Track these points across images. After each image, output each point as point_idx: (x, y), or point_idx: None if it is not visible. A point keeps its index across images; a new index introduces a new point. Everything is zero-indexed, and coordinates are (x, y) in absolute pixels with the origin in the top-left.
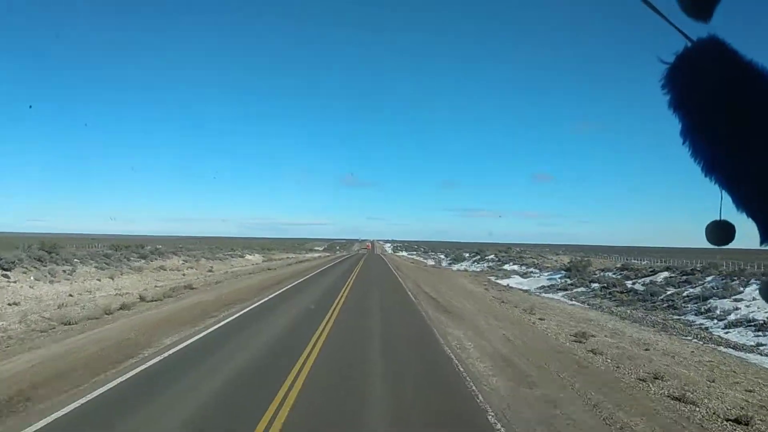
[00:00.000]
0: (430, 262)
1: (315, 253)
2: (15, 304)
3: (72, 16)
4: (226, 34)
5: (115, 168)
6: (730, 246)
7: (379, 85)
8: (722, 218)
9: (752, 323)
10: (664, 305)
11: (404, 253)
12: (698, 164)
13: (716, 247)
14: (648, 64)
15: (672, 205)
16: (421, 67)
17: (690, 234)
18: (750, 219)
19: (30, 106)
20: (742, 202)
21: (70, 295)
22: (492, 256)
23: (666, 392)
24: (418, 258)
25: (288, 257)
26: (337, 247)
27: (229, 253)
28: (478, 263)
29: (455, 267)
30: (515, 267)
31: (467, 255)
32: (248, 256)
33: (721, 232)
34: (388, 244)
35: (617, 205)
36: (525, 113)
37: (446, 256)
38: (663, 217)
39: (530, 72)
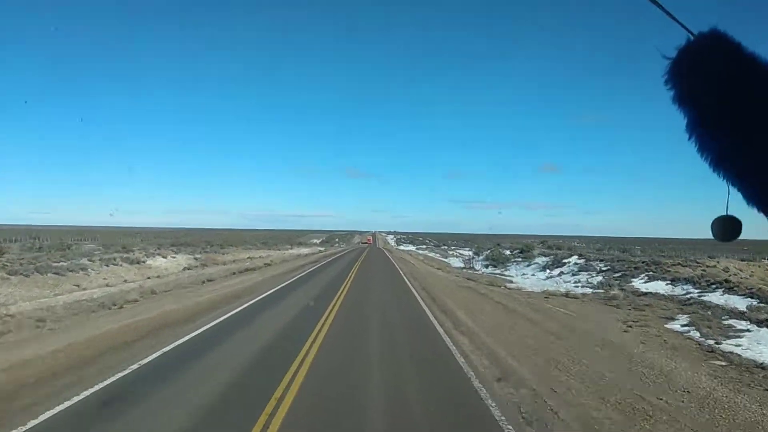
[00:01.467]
0: (456, 264)
1: (305, 248)
2: None
3: (72, 10)
4: (226, 28)
5: (117, 161)
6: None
7: (384, 76)
8: (729, 213)
9: None
10: None
11: (411, 247)
12: (705, 159)
13: (722, 242)
14: (651, 57)
15: (680, 195)
16: (425, 59)
17: (699, 225)
18: (761, 213)
19: (25, 102)
20: (751, 197)
21: None
22: (575, 258)
23: None
24: (431, 255)
25: (248, 258)
26: (336, 239)
27: (116, 255)
28: (547, 270)
29: (513, 277)
30: (665, 285)
31: (509, 252)
32: (158, 260)
33: (729, 227)
34: (391, 236)
35: (623, 196)
36: (530, 104)
37: (476, 254)
38: (671, 207)
39: (535, 63)
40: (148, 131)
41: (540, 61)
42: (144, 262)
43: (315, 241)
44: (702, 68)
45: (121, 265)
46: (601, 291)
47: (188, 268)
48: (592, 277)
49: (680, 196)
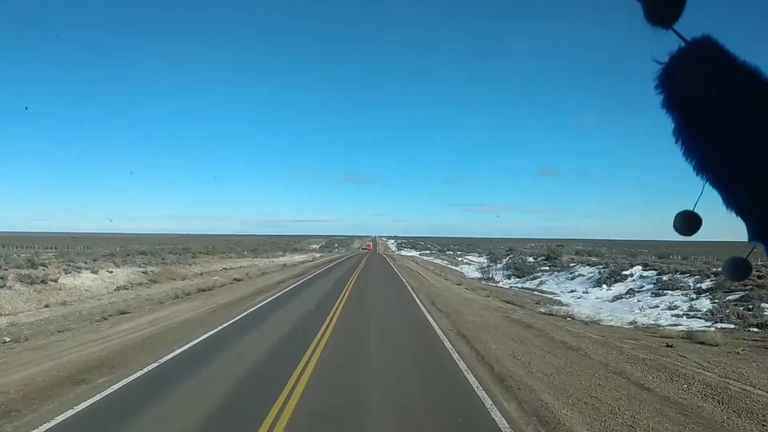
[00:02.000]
0: (472, 274)
1: (300, 255)
2: None
3: (73, 15)
4: (226, 34)
5: (118, 168)
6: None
7: (383, 81)
8: (694, 210)
9: None
10: None
11: (414, 253)
12: (690, 163)
13: (682, 237)
14: (649, 61)
15: (677, 198)
16: (425, 64)
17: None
18: (739, 218)
19: (26, 108)
20: (732, 202)
21: None
22: (639, 270)
23: None
24: (438, 262)
25: (223, 269)
26: (336, 245)
27: (13, 271)
28: (604, 286)
29: (558, 295)
30: None
31: (532, 260)
32: (83, 277)
33: (690, 222)
34: (392, 241)
35: (621, 199)
36: (530, 107)
37: (492, 262)
38: (668, 210)
39: (536, 66)
40: (149, 137)
41: (540, 64)
42: (55, 280)
43: (314, 246)
44: (692, 74)
45: (10, 288)
46: (731, 326)
47: (125, 288)
48: (692, 299)
49: (677, 199)
